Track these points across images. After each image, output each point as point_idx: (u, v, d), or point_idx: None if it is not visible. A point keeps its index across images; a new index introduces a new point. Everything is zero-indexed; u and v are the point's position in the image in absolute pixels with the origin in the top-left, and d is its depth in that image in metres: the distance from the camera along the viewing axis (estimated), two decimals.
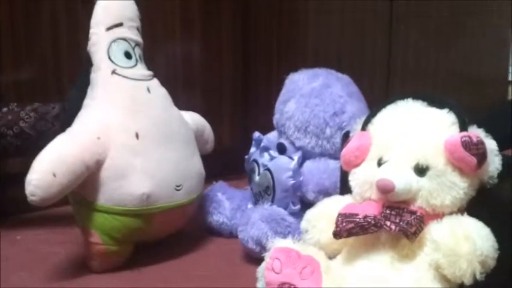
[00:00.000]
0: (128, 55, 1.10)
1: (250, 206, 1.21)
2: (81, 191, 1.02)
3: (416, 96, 0.85)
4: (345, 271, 0.80)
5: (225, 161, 1.35)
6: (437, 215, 0.77)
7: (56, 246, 1.18)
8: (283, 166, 1.11)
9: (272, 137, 1.20)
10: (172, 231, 1.15)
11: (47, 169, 0.95)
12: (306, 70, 1.19)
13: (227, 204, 1.23)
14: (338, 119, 1.11)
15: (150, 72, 1.12)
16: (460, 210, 0.78)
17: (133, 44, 1.11)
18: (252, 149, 1.23)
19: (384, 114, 0.87)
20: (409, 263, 0.76)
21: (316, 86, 1.14)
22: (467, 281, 0.71)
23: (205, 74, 1.65)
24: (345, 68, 1.23)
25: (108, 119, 1.04)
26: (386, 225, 0.76)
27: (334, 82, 1.15)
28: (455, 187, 0.77)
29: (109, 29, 1.09)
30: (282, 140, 1.16)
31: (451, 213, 0.77)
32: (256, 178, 1.17)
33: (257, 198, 1.17)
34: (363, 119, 0.89)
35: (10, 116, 1.25)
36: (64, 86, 1.39)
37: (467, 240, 0.71)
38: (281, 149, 1.15)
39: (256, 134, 1.22)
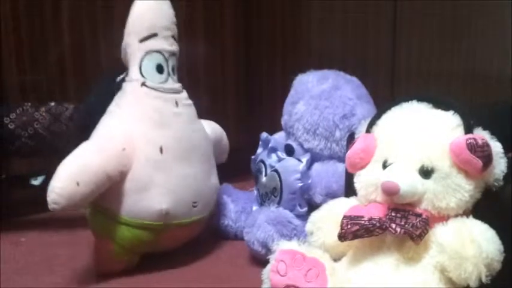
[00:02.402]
0: (160, 69, 1.08)
1: (255, 207, 1.21)
2: (100, 199, 1.02)
3: (421, 98, 0.85)
4: (350, 273, 0.80)
5: (229, 163, 1.34)
6: (443, 218, 0.77)
7: (61, 248, 1.19)
8: (291, 168, 1.11)
9: (279, 137, 1.19)
10: (183, 244, 1.14)
11: (71, 177, 0.95)
12: (315, 71, 1.19)
13: (232, 207, 1.23)
14: (348, 121, 1.11)
15: (179, 86, 1.11)
16: (466, 213, 0.77)
17: (167, 55, 1.08)
18: (259, 150, 1.22)
19: (388, 116, 0.87)
20: (414, 266, 0.76)
21: (325, 88, 1.14)
22: (473, 283, 0.71)
23: (209, 75, 1.65)
24: (349, 68, 1.23)
25: (134, 130, 1.03)
26: (391, 227, 0.75)
27: (344, 84, 1.15)
28: (460, 189, 0.77)
29: (142, 40, 1.06)
30: (290, 142, 1.15)
31: (456, 216, 0.77)
32: (263, 179, 1.17)
33: (263, 199, 1.17)
34: (368, 120, 0.89)
35: (24, 117, 1.25)
36: (68, 88, 1.40)
37: (473, 243, 0.71)
38: (289, 151, 1.15)
39: (264, 135, 1.22)
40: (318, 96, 1.13)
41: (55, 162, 0.99)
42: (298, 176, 1.10)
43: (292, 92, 1.19)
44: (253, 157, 1.24)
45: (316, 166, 1.12)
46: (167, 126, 1.05)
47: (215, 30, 1.65)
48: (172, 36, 1.10)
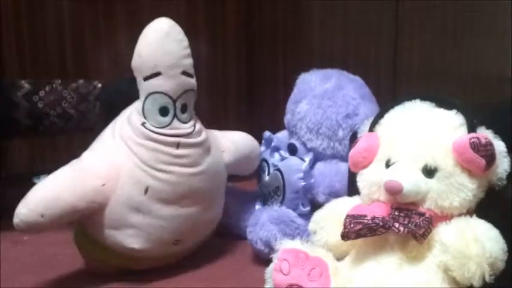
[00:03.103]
0: (163, 111, 0.98)
1: (258, 206, 1.21)
2: (81, 219, 1.01)
3: (424, 97, 0.85)
4: (353, 273, 0.80)
5: None
6: (446, 217, 0.77)
7: (64, 247, 1.18)
8: (294, 167, 1.11)
9: (282, 136, 1.19)
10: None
11: (37, 209, 0.93)
12: (318, 70, 1.18)
13: (234, 206, 1.23)
14: (351, 121, 1.11)
15: (187, 127, 1.00)
16: (469, 212, 0.78)
17: (174, 96, 0.98)
18: (262, 148, 1.22)
19: (391, 115, 0.87)
20: (417, 265, 0.76)
21: (328, 87, 1.14)
22: (476, 283, 0.71)
23: (211, 74, 1.66)
24: (351, 68, 1.23)
25: (122, 166, 0.97)
26: (394, 226, 0.76)
27: (347, 84, 1.15)
28: (464, 189, 0.77)
29: (146, 79, 0.97)
30: (293, 141, 1.15)
31: (459, 215, 0.77)
32: (266, 178, 1.17)
33: (266, 198, 1.17)
34: (371, 120, 0.89)
35: (53, 95, 1.23)
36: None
37: (476, 242, 0.71)
38: (292, 150, 1.15)
39: (267, 134, 1.21)
40: (321, 95, 1.13)
41: (56, 161, 1.00)
42: (301, 175, 1.09)
43: (295, 91, 1.19)
44: None
45: (319, 165, 1.12)
46: (160, 169, 0.98)
47: (217, 29, 1.65)
48: (184, 72, 0.99)
